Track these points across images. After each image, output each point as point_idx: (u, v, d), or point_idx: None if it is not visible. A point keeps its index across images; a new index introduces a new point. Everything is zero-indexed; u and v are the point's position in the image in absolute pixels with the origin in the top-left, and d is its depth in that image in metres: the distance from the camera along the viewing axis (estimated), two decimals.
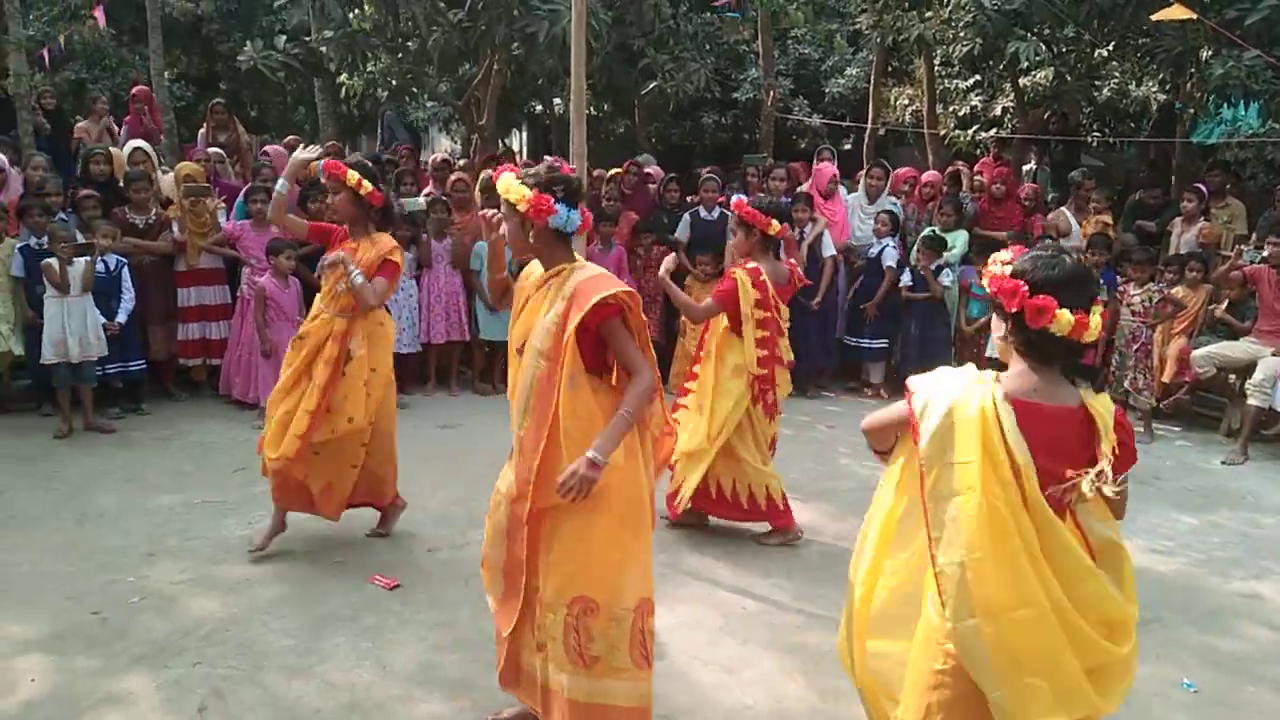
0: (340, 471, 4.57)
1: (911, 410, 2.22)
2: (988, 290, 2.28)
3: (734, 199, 4.91)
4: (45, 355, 6.28)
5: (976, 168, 10.71)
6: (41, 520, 4.99)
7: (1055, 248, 2.30)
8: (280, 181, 4.57)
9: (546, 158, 3.02)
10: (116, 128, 9.54)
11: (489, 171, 5.87)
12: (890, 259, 7.94)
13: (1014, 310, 2.18)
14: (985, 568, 2.06)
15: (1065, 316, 2.13)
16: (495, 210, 3.02)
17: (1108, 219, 8.21)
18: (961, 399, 2.15)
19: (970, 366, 2.27)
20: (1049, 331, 2.14)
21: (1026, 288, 2.15)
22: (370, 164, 4.85)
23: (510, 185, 2.82)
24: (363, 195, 4.43)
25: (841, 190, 8.64)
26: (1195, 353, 7.12)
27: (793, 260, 5.18)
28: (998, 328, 2.31)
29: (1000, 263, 2.26)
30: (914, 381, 2.27)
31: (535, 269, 2.99)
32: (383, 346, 4.64)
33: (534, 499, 2.78)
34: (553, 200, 2.77)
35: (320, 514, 4.65)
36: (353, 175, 4.40)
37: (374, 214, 4.56)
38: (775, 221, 4.73)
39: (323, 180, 4.55)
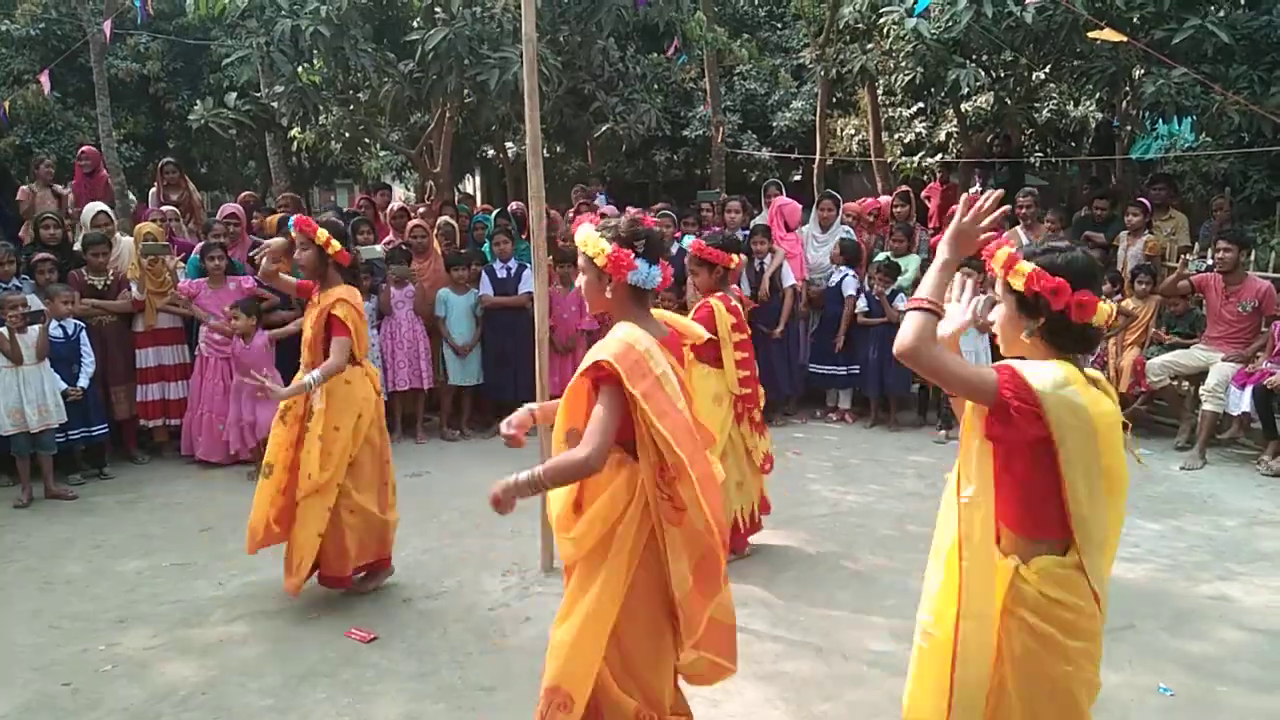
0: (303, 539, 4.49)
1: (1034, 398, 2.13)
2: (1023, 289, 2.23)
3: (689, 240, 4.94)
4: (2, 426, 6.17)
5: (925, 193, 10.94)
6: (5, 590, 4.89)
7: (1067, 242, 2.31)
8: (265, 261, 4.68)
9: (629, 209, 2.89)
10: (63, 190, 9.45)
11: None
12: (850, 288, 8.07)
13: (1060, 308, 2.19)
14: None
15: (1104, 308, 2.20)
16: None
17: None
18: (1089, 398, 2.16)
19: (1055, 362, 2.22)
20: (1089, 324, 2.20)
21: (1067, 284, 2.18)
22: (340, 223, 4.81)
23: (589, 238, 2.68)
24: (329, 253, 4.47)
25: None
26: (1150, 362, 7.29)
27: (735, 287, 5.27)
28: (1020, 325, 2.29)
29: (1013, 257, 2.25)
30: (1025, 368, 2.18)
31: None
32: (346, 404, 4.51)
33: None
34: (633, 255, 2.64)
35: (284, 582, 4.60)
36: (322, 233, 4.44)
37: (339, 272, 4.56)
38: (735, 256, 4.88)
39: (293, 235, 4.63)
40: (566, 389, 2.67)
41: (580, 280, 2.80)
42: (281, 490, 4.52)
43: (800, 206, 8.77)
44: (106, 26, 9.93)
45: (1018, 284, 2.25)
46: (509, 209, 9.67)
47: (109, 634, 4.36)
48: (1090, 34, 7.38)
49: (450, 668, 4.00)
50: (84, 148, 9.70)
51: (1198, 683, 3.83)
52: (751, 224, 8.41)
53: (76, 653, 4.19)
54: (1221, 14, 7.96)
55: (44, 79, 10.25)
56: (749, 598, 4.67)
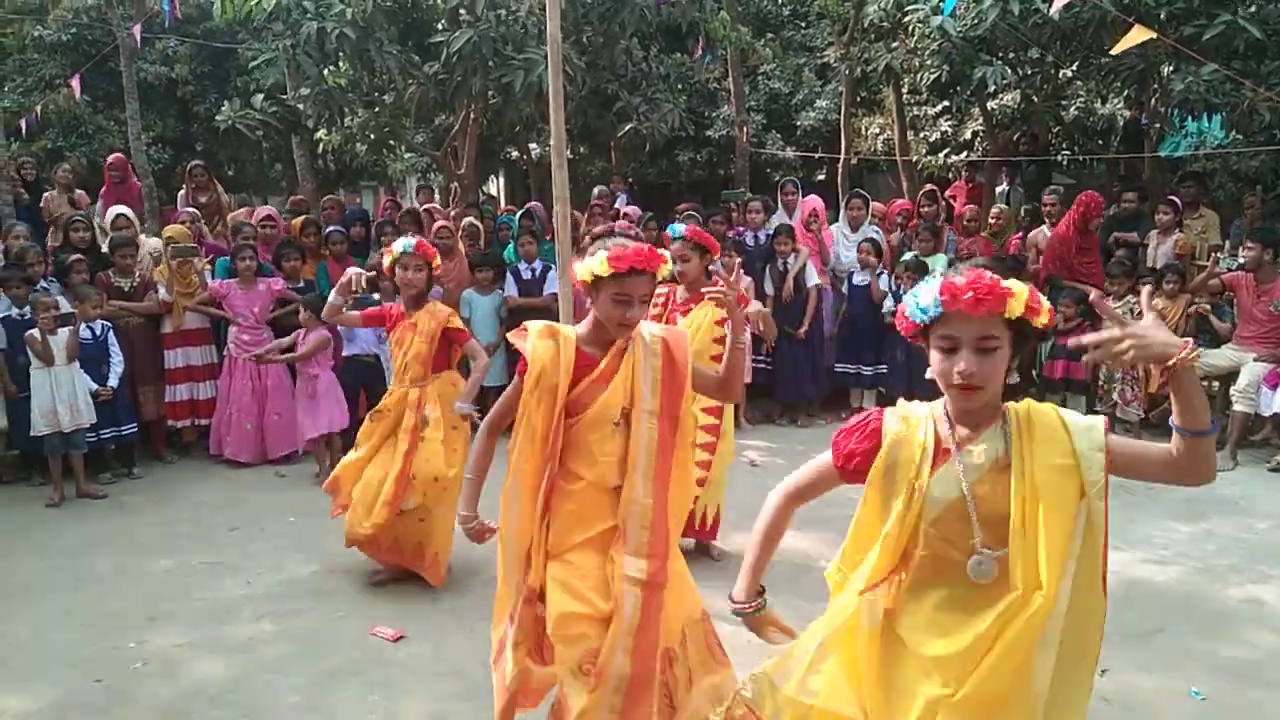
0: (443, 535, 4.71)
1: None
2: (1045, 323, 2.04)
3: (685, 227, 4.81)
4: (36, 426, 6.26)
5: (950, 191, 10.86)
6: (38, 589, 4.96)
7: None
8: (333, 294, 4.75)
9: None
10: (86, 197, 9.57)
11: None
12: (882, 285, 8.03)
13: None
14: None
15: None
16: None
17: None
18: None
19: None
20: None
21: None
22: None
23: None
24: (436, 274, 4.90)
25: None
26: None
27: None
28: (1008, 365, 2.11)
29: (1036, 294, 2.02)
30: None
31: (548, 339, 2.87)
32: (451, 403, 4.78)
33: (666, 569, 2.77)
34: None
35: (423, 574, 4.80)
36: (438, 259, 4.89)
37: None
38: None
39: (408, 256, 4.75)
40: (688, 388, 2.92)
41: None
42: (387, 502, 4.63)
43: (821, 205, 8.75)
44: (136, 31, 10.05)
45: (1042, 321, 2.00)
46: (529, 207, 9.70)
47: (139, 632, 4.41)
48: (1115, 49, 7.26)
49: (477, 666, 4.00)
50: (113, 156, 9.81)
51: (1230, 687, 3.78)
52: (774, 224, 8.39)
53: (107, 650, 4.24)
54: (1253, 9, 7.84)
55: (75, 83, 10.40)
56: (773, 600, 4.64)
